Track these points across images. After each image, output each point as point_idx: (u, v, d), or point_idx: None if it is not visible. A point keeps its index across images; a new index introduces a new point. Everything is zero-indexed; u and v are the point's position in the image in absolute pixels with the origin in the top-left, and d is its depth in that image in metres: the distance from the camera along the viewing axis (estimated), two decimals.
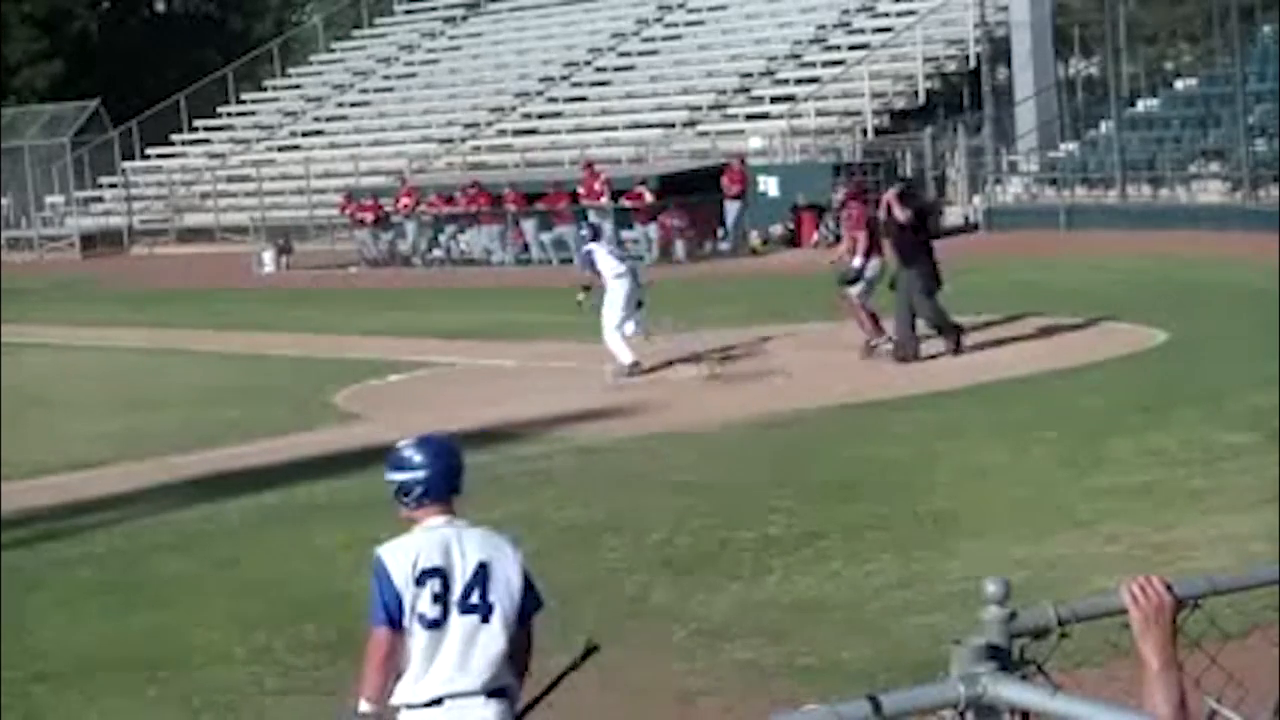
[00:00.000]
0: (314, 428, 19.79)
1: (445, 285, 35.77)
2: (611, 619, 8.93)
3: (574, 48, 51.00)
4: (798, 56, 45.55)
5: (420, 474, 6.95)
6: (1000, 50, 40.95)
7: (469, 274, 37.93)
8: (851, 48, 44.49)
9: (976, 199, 38.83)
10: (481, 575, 6.87)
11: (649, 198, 37.64)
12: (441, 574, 6.83)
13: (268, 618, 12.07)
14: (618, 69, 49.55)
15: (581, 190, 38.49)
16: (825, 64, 44.32)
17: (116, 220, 53.56)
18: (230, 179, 52.77)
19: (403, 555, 6.87)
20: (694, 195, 37.54)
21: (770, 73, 45.29)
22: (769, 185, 38.10)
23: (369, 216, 42.71)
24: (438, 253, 41.25)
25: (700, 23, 49.84)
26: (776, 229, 37.71)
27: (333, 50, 58.68)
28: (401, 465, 6.98)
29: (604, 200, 38.13)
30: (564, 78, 50.11)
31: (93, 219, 54.50)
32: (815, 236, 36.29)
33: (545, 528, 12.81)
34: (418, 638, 6.84)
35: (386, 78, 55.46)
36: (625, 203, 38.03)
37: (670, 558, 12.72)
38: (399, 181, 43.15)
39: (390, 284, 37.49)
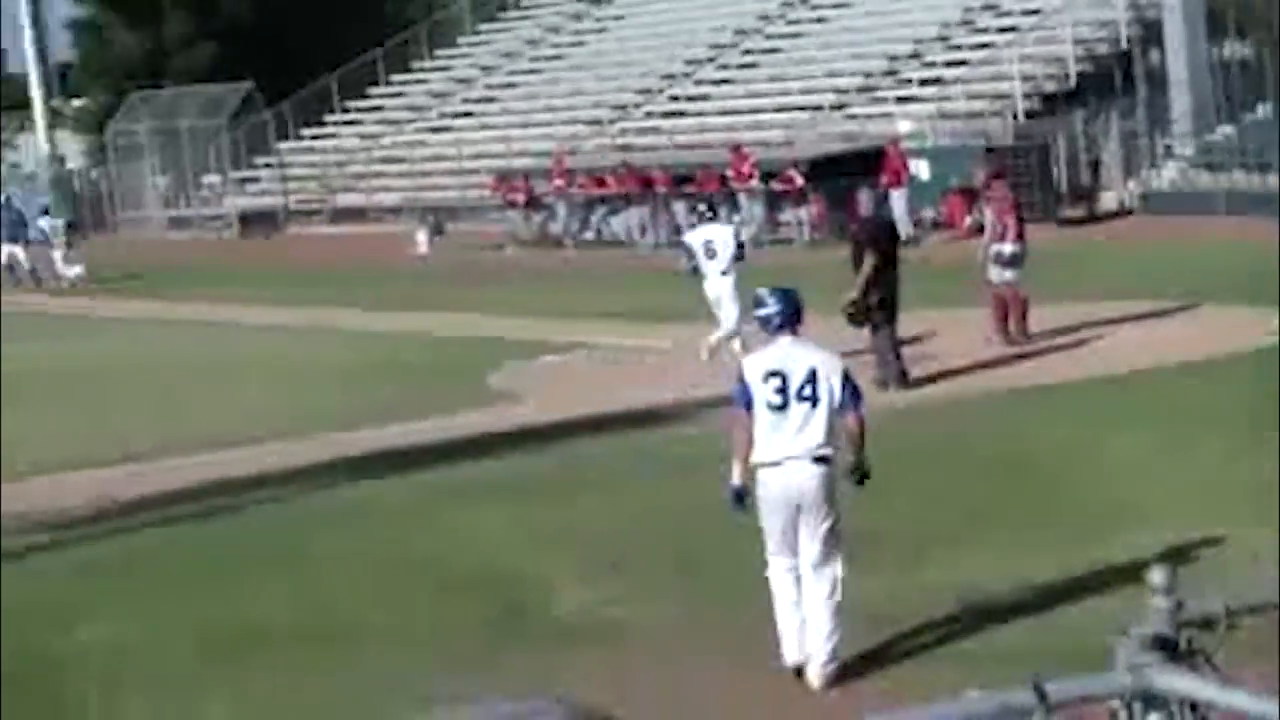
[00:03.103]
0: (467, 408, 19.98)
1: (597, 267, 35.79)
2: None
3: (720, 29, 50.89)
4: (945, 39, 45.16)
5: (773, 310, 10.18)
6: (1152, 32, 40.39)
7: (619, 255, 37.90)
8: (999, 30, 44.08)
9: (1131, 183, 38.38)
10: (812, 376, 9.86)
11: (799, 181, 37.52)
12: (781, 375, 9.87)
13: (430, 596, 12.25)
14: (764, 51, 49.39)
15: (730, 173, 38.44)
16: (973, 46, 43.94)
17: (271, 200, 54.11)
18: (383, 160, 53.22)
19: (756, 362, 10.16)
20: (841, 179, 37.22)
21: (917, 55, 44.91)
22: (920, 169, 37.74)
23: (520, 197, 42.96)
24: (588, 234, 41.38)
25: (846, 4, 49.53)
26: (928, 213, 37.47)
27: (479, 32, 58.94)
28: (761, 304, 10.30)
29: (753, 183, 38.09)
30: (710, 60, 50.00)
31: (248, 199, 55.15)
32: (967, 221, 35.97)
33: (716, 509, 12.78)
34: (764, 418, 9.80)
35: (534, 59, 55.62)
36: (776, 186, 37.96)
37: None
38: (555, 162, 43.22)
39: (542, 265, 37.64)
